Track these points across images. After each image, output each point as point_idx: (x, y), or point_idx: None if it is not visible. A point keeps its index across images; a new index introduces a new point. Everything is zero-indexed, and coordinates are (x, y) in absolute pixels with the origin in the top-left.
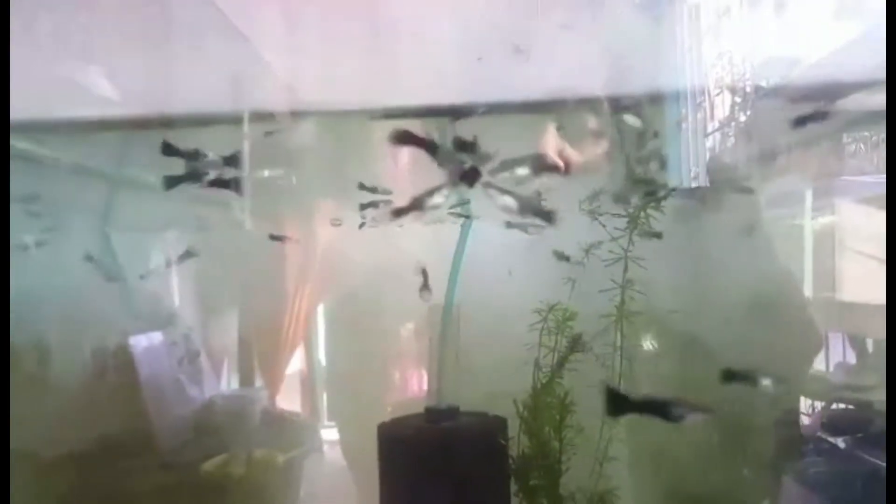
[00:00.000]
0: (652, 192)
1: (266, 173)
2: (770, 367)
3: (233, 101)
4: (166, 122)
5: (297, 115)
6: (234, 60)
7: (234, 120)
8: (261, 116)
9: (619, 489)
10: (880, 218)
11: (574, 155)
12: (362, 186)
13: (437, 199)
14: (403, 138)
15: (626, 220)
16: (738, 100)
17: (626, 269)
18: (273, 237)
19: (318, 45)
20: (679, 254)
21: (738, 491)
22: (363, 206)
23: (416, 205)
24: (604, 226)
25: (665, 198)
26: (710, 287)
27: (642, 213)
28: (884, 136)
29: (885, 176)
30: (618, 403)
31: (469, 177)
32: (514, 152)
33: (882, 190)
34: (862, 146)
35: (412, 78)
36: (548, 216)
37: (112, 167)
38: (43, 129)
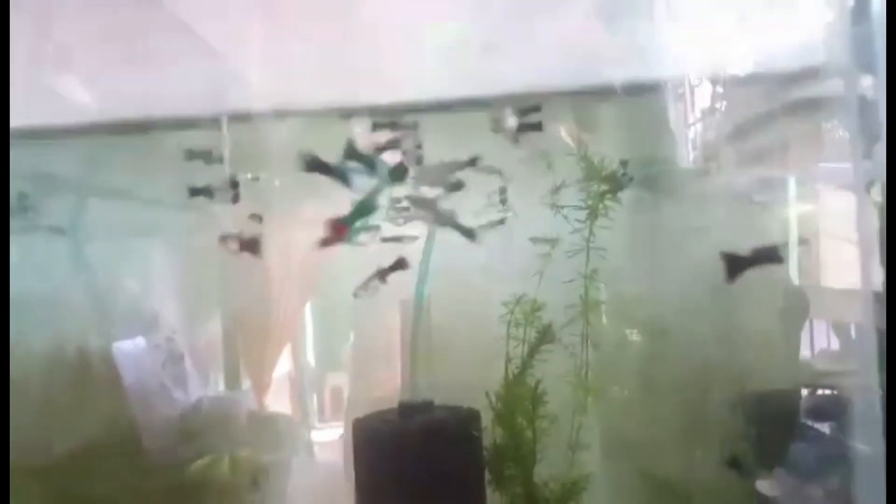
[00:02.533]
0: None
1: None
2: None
3: (210, 104)
4: (142, 127)
5: (272, 115)
6: (209, 64)
7: (212, 123)
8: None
9: (591, 475)
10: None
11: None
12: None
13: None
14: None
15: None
16: (719, 90)
17: (588, 260)
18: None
19: (288, 43)
20: (641, 243)
21: (714, 474)
22: None
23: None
24: (565, 217)
25: (619, 189)
26: (674, 273)
27: (600, 205)
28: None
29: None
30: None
31: (397, 173)
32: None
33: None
34: (841, 132)
35: (385, 75)
36: (469, 233)
37: (84, 172)
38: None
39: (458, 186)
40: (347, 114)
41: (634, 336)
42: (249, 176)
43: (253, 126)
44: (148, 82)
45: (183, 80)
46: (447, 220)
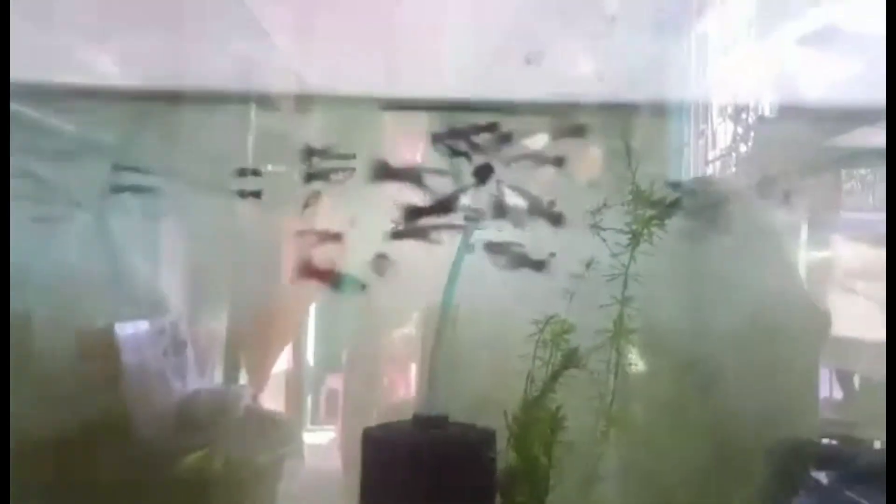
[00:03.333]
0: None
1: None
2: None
3: (240, 82)
4: (172, 98)
5: (303, 99)
6: (243, 40)
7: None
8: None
9: None
10: (875, 256)
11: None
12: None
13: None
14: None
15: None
16: (739, 130)
17: (625, 286)
18: None
19: (330, 29)
20: (683, 273)
21: None
22: None
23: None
24: (604, 240)
25: (669, 216)
26: (714, 307)
27: (645, 231)
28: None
29: (883, 214)
30: None
31: (482, 173)
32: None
33: (880, 228)
34: (859, 184)
35: (427, 69)
36: (556, 218)
37: (116, 141)
38: (44, 94)
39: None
40: (386, 104)
41: (664, 368)
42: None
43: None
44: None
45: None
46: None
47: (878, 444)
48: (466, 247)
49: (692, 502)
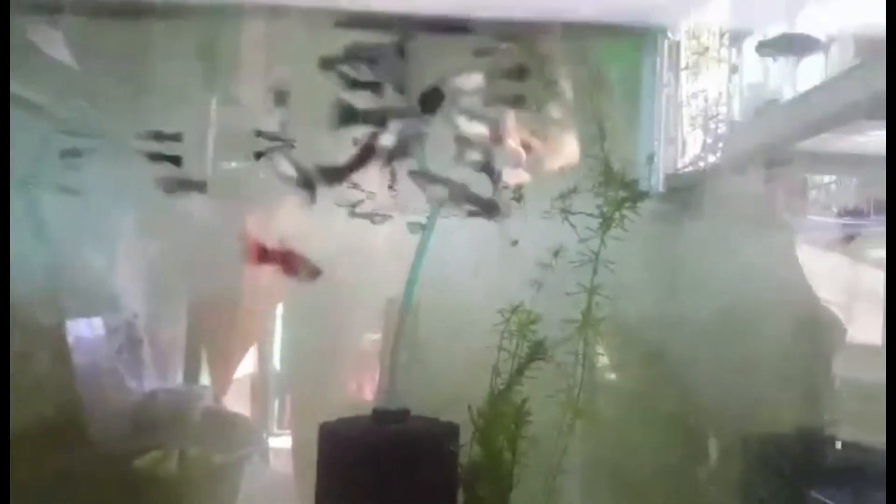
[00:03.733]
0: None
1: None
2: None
3: None
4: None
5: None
6: None
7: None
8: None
9: None
10: (838, 261)
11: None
12: None
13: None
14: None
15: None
16: (708, 140)
17: (594, 273)
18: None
19: None
20: (657, 260)
21: None
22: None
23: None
24: (573, 226)
25: (643, 198)
26: (686, 295)
27: (616, 214)
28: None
29: (847, 219)
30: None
31: (430, 101)
32: None
33: (842, 233)
34: (824, 191)
35: None
36: (489, 206)
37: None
38: None
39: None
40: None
41: (632, 358)
42: None
43: None
44: None
45: None
46: (463, 195)
47: (839, 444)
48: (430, 235)
49: (661, 496)
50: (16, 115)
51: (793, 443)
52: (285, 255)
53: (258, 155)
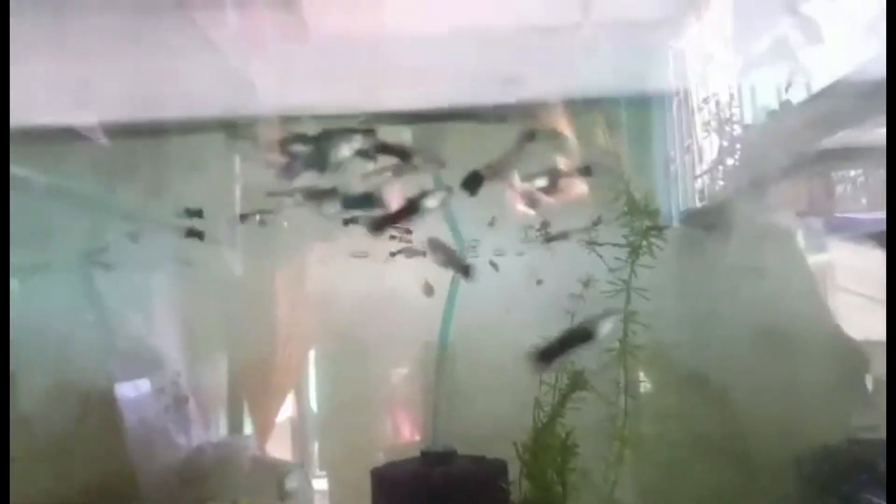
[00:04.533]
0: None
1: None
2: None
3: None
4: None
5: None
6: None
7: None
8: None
9: None
10: (872, 256)
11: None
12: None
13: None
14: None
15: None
16: (724, 143)
17: (628, 301)
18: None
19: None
20: (686, 285)
21: None
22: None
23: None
24: (601, 256)
25: (665, 227)
26: (724, 318)
27: (644, 242)
28: (874, 174)
29: (878, 214)
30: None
31: (471, 184)
32: None
33: (874, 228)
34: (849, 186)
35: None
36: (465, 270)
37: (97, 188)
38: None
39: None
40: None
41: (674, 384)
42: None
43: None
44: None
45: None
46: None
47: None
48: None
49: None
50: None
51: (843, 454)
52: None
53: None
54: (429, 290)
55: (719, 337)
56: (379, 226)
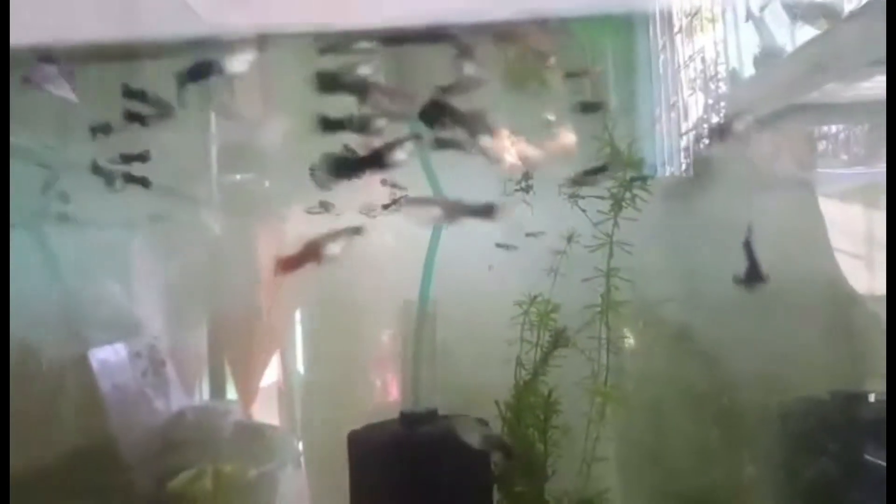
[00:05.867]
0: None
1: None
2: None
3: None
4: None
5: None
6: None
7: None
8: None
9: (609, 491)
10: (852, 211)
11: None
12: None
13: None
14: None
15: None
16: (710, 101)
17: (610, 256)
18: None
19: None
20: (673, 238)
21: (735, 491)
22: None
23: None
24: (583, 210)
25: (649, 177)
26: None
27: (627, 194)
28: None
29: (859, 168)
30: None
31: (430, 114)
32: None
33: (855, 182)
34: (828, 142)
35: None
36: (487, 210)
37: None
38: None
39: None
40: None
41: (657, 340)
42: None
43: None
44: None
45: None
46: (457, 211)
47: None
48: (439, 234)
49: (699, 475)
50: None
51: (830, 407)
52: (307, 250)
53: None
54: None
55: (704, 292)
56: (341, 172)
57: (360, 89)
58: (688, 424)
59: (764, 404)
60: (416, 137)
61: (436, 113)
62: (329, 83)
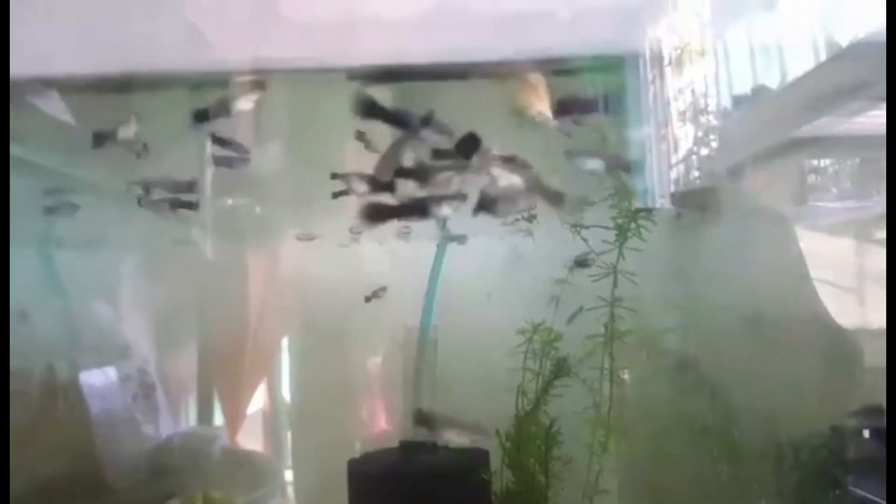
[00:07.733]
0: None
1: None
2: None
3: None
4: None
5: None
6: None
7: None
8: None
9: None
10: (843, 245)
11: None
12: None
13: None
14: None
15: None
16: (699, 133)
17: (615, 285)
18: None
19: None
20: (675, 268)
21: None
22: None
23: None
24: (585, 240)
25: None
26: (715, 303)
27: (633, 225)
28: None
29: (849, 202)
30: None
31: (466, 147)
32: None
33: (845, 216)
34: (819, 176)
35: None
36: (556, 197)
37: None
38: None
39: None
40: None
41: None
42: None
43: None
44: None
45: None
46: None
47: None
48: (441, 261)
49: None
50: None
51: (829, 441)
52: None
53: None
54: None
55: (707, 323)
56: (375, 217)
57: (400, 120)
58: (689, 455)
59: (766, 436)
60: (462, 198)
61: (473, 145)
62: (369, 111)
